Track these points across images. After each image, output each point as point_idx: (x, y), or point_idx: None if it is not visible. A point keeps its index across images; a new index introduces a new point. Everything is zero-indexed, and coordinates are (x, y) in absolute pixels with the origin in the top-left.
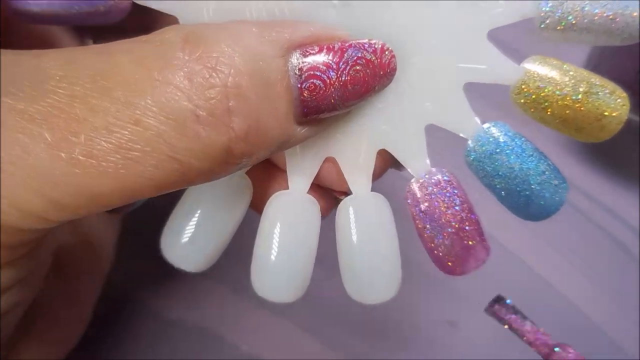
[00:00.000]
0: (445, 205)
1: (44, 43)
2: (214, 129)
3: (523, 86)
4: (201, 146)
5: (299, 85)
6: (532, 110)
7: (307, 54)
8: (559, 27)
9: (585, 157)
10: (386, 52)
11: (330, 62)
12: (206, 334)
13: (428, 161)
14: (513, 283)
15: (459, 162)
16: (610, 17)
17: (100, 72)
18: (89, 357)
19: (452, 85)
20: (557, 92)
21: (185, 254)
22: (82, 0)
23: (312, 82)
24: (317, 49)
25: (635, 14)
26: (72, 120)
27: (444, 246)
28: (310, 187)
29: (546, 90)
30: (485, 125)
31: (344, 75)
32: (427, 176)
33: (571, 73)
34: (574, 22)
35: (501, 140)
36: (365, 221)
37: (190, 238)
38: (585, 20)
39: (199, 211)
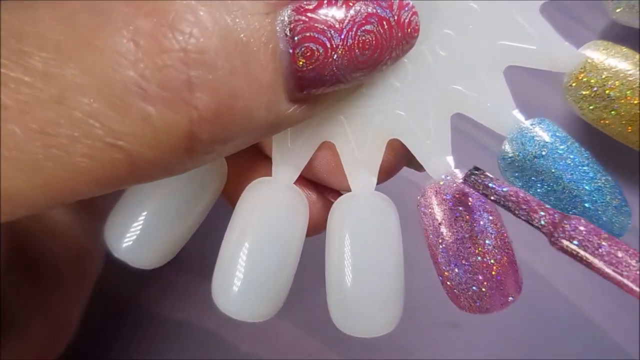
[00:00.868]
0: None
1: None
2: (168, 108)
3: (582, 76)
4: (152, 130)
5: (290, 51)
6: (590, 107)
7: (302, 9)
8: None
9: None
10: (406, 8)
11: (333, 20)
12: (206, 333)
13: (451, 160)
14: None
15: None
16: None
17: (14, 31)
18: (89, 357)
19: (490, 66)
20: (627, 87)
21: (131, 251)
22: None
23: (309, 47)
24: (315, 2)
25: None
26: None
27: (460, 278)
28: (304, 183)
29: (612, 83)
30: (529, 122)
31: (350, 38)
32: (448, 178)
33: None
34: None
35: (548, 141)
36: (363, 229)
37: (138, 234)
38: None
39: (150, 198)
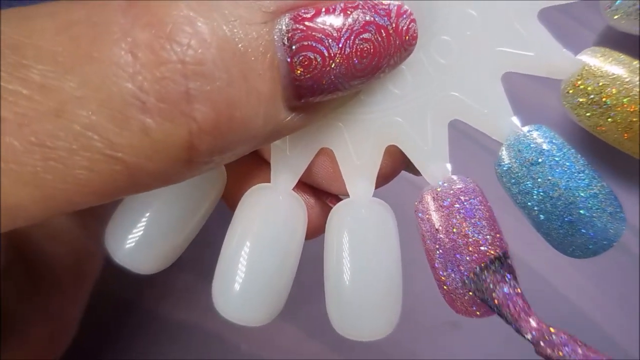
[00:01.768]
0: (466, 225)
1: None
2: (167, 120)
3: (580, 83)
4: (150, 142)
5: (288, 60)
6: (587, 114)
7: (300, 18)
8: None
9: (585, 157)
10: (404, 16)
11: (330, 28)
12: (206, 334)
13: (449, 166)
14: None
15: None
16: None
17: (11, 42)
18: (91, 358)
19: (488, 73)
20: (624, 94)
21: (131, 256)
22: None
23: (307, 55)
24: (312, 11)
25: None
26: None
27: (457, 283)
28: (302, 188)
29: (609, 91)
30: (526, 129)
31: (348, 47)
32: (445, 185)
33: None
34: None
35: (545, 148)
36: (361, 235)
37: (138, 239)
38: None
39: (150, 204)
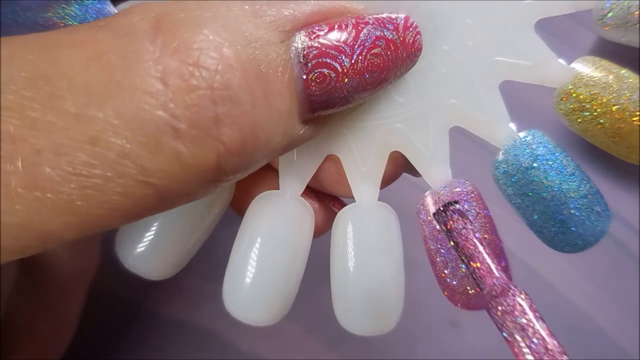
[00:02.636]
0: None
1: None
2: (197, 145)
3: (572, 91)
4: (181, 167)
5: (304, 77)
6: (578, 120)
7: (314, 35)
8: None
9: (585, 157)
10: (410, 29)
11: (344, 45)
12: (206, 334)
13: (449, 170)
14: (513, 282)
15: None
16: None
17: (42, 73)
18: (93, 358)
19: (486, 81)
20: (613, 102)
21: (142, 262)
22: None
23: (322, 72)
24: (326, 28)
25: None
26: (4, 141)
27: (458, 281)
28: (307, 192)
29: (600, 98)
30: (522, 134)
31: (360, 62)
32: (446, 188)
33: (630, 80)
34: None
35: (539, 152)
36: (366, 238)
37: (149, 245)
38: None
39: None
